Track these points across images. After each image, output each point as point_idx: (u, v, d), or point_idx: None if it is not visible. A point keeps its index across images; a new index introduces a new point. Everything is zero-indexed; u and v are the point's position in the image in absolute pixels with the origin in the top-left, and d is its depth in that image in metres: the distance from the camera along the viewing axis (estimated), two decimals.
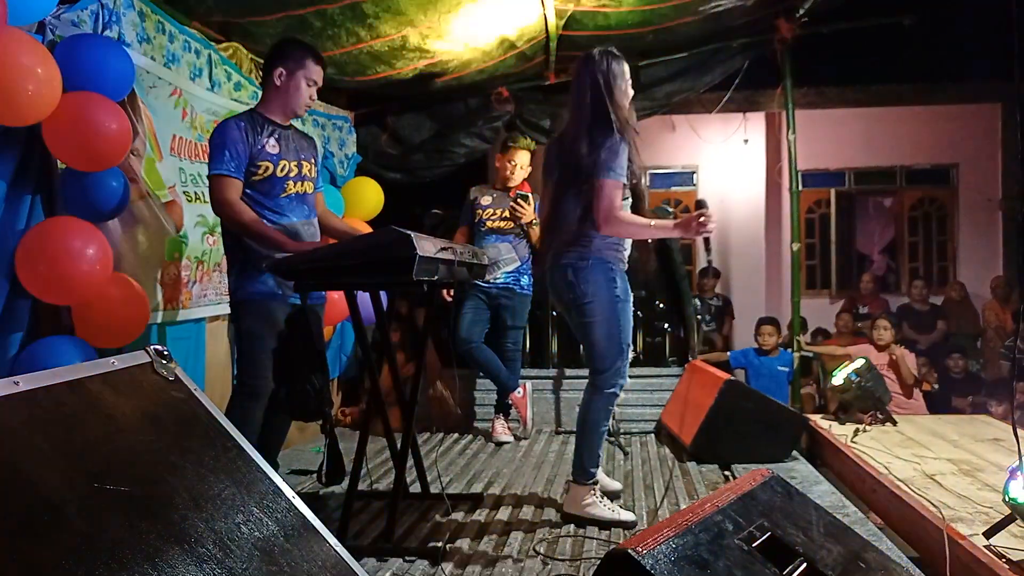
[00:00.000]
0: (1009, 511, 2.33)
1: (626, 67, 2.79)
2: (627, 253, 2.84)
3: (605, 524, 2.78)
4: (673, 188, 8.33)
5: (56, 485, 0.97)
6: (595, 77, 2.73)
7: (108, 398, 1.12)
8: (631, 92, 2.81)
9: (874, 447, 3.80)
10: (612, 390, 2.78)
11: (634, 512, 2.92)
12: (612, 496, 3.02)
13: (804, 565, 1.70)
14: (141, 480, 1.06)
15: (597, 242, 2.72)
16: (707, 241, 2.68)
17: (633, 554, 1.47)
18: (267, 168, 2.76)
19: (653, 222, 2.70)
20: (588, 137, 2.70)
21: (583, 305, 2.74)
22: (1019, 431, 2.26)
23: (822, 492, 3.17)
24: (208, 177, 2.73)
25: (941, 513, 2.68)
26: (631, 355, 2.82)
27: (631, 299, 2.79)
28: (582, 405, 2.84)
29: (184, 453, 1.15)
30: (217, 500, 1.12)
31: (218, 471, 1.16)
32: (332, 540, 1.27)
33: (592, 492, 2.82)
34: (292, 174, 2.83)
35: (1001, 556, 2.28)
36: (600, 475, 2.98)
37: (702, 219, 2.55)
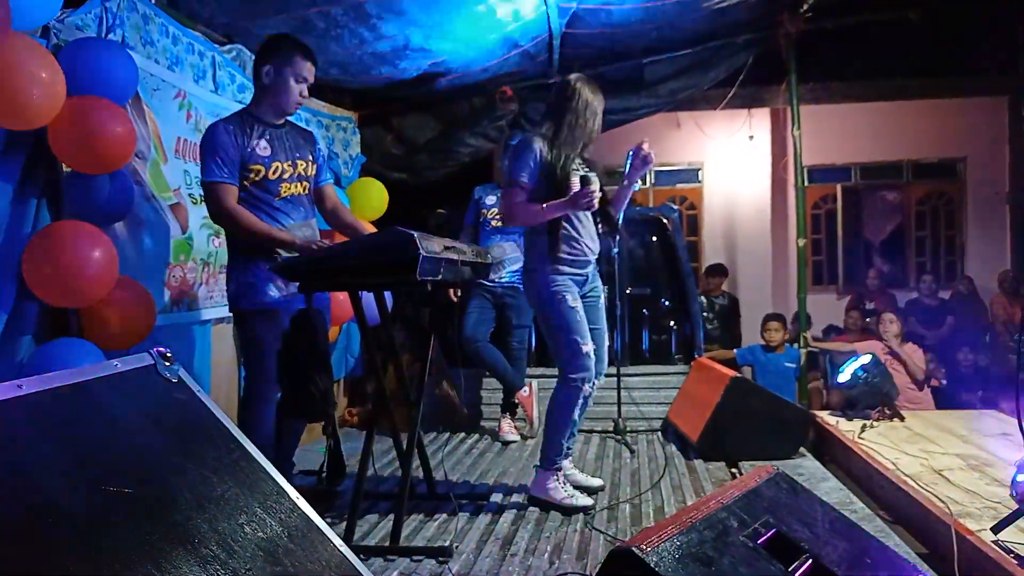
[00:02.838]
0: (1017, 506, 2.32)
1: (587, 93, 2.97)
2: (582, 257, 3.01)
3: (565, 510, 2.93)
4: (679, 185, 8.32)
5: (60, 487, 0.98)
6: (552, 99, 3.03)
7: (111, 401, 1.13)
8: (588, 112, 2.98)
9: (882, 443, 3.79)
10: (575, 383, 2.94)
11: (641, 510, 2.96)
12: (590, 491, 3.12)
13: (810, 561, 1.70)
14: (144, 482, 1.06)
15: (540, 248, 2.95)
16: (595, 215, 3.02)
17: (637, 552, 1.47)
18: (259, 171, 2.72)
19: (545, 205, 2.89)
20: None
21: (537, 307, 3.05)
22: None
23: (829, 488, 3.16)
24: (202, 185, 2.71)
25: (949, 509, 2.67)
26: (587, 349, 2.95)
27: (572, 298, 2.95)
28: (552, 396, 3.04)
29: (187, 455, 1.16)
30: (220, 501, 1.12)
31: (221, 472, 1.17)
32: (336, 540, 1.28)
33: (555, 478, 2.98)
34: (286, 175, 2.79)
35: (1009, 551, 2.27)
36: (576, 473, 3.21)
37: (585, 194, 2.81)
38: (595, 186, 2.83)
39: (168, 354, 1.27)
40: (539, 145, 2.92)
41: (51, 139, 2.56)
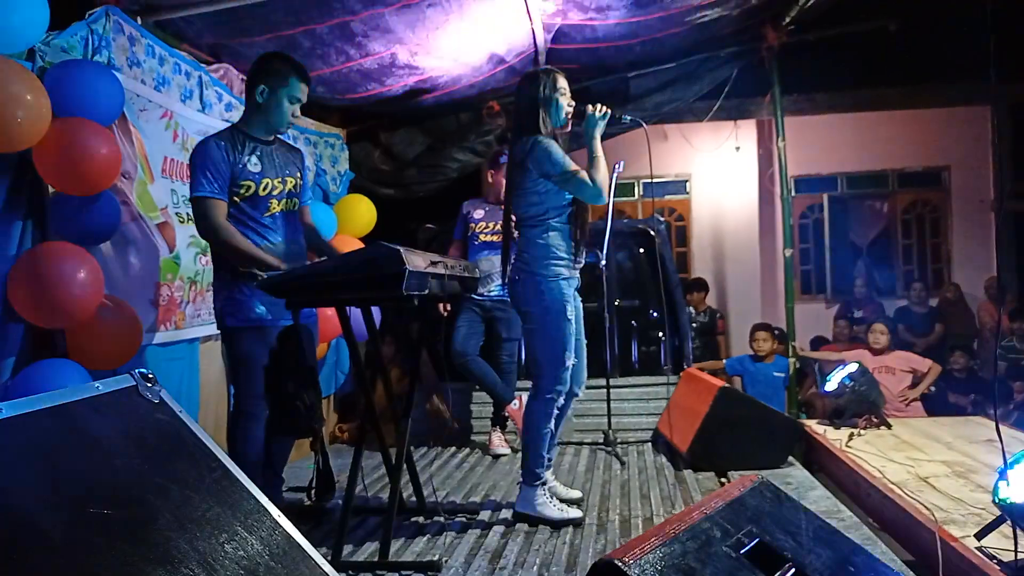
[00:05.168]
0: (999, 512, 2.35)
1: (561, 80, 2.96)
2: (568, 263, 2.94)
3: (555, 523, 2.92)
4: (667, 197, 8.36)
5: (40, 510, 0.99)
6: (523, 96, 2.96)
7: (92, 422, 1.14)
8: (566, 105, 2.97)
9: (869, 451, 3.81)
10: (550, 396, 2.92)
11: (631, 521, 2.97)
12: (570, 503, 3.11)
13: (793, 570, 1.71)
14: (125, 503, 1.07)
15: (529, 256, 2.91)
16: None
17: (620, 564, 1.47)
18: (249, 187, 2.72)
19: (592, 150, 2.90)
20: (512, 153, 2.97)
21: (522, 314, 3.00)
22: (1012, 431, 2.28)
23: (817, 497, 3.17)
24: (191, 200, 2.70)
25: (934, 516, 2.69)
26: (571, 363, 2.94)
27: (571, 310, 2.93)
28: (524, 409, 3.01)
29: (168, 475, 1.17)
30: (201, 521, 1.13)
31: (202, 492, 1.18)
32: (318, 558, 1.29)
33: (542, 492, 2.95)
34: (276, 192, 2.80)
35: (992, 557, 2.29)
36: (557, 485, 3.17)
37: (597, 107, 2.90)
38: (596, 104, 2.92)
39: (150, 375, 1.28)
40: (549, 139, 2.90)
41: (36, 161, 2.58)
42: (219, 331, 2.86)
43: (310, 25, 3.82)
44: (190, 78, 3.63)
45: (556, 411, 2.95)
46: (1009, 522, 2.30)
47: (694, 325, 6.43)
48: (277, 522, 1.25)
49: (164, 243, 3.30)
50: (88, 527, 1.01)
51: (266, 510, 1.26)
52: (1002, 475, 2.29)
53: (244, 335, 2.75)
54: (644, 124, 3.22)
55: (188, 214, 3.48)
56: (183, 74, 3.57)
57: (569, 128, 3.01)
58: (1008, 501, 2.24)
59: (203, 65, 3.77)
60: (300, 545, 1.25)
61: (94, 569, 0.98)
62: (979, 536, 2.38)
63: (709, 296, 7.18)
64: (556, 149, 2.85)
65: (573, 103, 2.97)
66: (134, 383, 1.27)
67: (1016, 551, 1.99)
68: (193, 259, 3.53)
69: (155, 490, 1.13)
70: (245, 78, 4.00)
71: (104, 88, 2.76)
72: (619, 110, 3.03)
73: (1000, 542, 2.33)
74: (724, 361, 5.96)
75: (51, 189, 2.72)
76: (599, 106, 2.93)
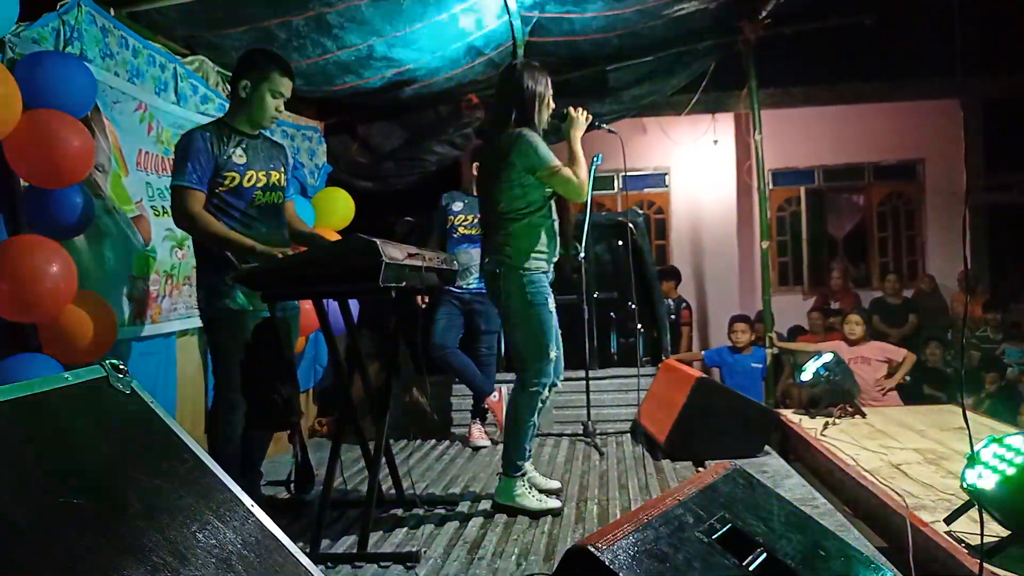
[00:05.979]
0: (968, 497, 2.39)
1: (545, 78, 2.99)
2: (548, 257, 2.97)
3: (534, 513, 2.94)
4: (646, 190, 8.40)
5: (9, 500, 0.98)
6: (517, 87, 2.94)
7: (62, 412, 1.13)
8: (550, 101, 3.01)
9: (843, 439, 3.87)
10: (535, 389, 2.94)
11: (609, 511, 2.99)
12: (549, 493, 3.13)
13: (764, 555, 1.74)
14: (95, 492, 1.07)
15: (511, 250, 2.91)
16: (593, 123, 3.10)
17: (593, 550, 1.49)
18: (233, 179, 2.76)
19: (573, 148, 2.95)
20: (497, 144, 2.95)
21: (502, 309, 2.99)
22: (982, 419, 2.32)
23: (792, 485, 3.21)
24: (171, 187, 2.74)
25: (905, 502, 2.74)
26: (554, 355, 2.96)
27: (551, 302, 2.95)
28: (509, 402, 3.03)
29: (139, 465, 1.17)
30: (173, 510, 1.13)
31: (174, 481, 1.18)
32: (292, 547, 1.29)
33: (521, 483, 2.98)
34: (260, 184, 2.83)
35: (960, 541, 2.34)
36: (536, 476, 3.19)
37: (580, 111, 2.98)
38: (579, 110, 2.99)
39: (121, 366, 1.28)
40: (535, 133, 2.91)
41: (7, 153, 2.55)
42: (200, 320, 2.87)
43: (285, 17, 3.80)
44: (165, 70, 3.60)
45: (541, 404, 2.97)
46: (976, 507, 2.34)
47: (672, 317, 6.46)
48: (250, 511, 1.25)
49: (139, 236, 3.28)
50: (58, 517, 1.01)
51: (239, 500, 1.26)
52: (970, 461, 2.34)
53: (225, 324, 2.77)
54: (618, 133, 3.33)
55: (164, 207, 3.45)
56: (158, 66, 3.54)
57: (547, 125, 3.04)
58: (975, 487, 2.28)
59: (178, 57, 3.73)
60: (274, 534, 1.26)
61: (64, 559, 0.98)
62: (948, 521, 2.43)
63: (687, 288, 7.20)
64: (542, 144, 2.88)
65: (553, 104, 3.02)
66: (105, 374, 1.26)
67: (982, 535, 2.03)
68: (169, 252, 3.50)
69: (126, 480, 1.13)
70: (221, 70, 4.02)
71: (76, 80, 2.73)
72: (596, 112, 3.09)
73: (968, 526, 2.38)
74: (703, 352, 6.01)
75: (23, 182, 2.69)
76: (580, 110, 3.00)
